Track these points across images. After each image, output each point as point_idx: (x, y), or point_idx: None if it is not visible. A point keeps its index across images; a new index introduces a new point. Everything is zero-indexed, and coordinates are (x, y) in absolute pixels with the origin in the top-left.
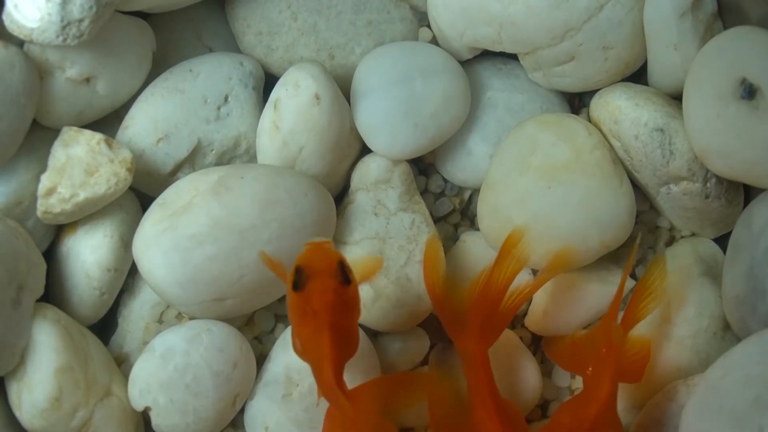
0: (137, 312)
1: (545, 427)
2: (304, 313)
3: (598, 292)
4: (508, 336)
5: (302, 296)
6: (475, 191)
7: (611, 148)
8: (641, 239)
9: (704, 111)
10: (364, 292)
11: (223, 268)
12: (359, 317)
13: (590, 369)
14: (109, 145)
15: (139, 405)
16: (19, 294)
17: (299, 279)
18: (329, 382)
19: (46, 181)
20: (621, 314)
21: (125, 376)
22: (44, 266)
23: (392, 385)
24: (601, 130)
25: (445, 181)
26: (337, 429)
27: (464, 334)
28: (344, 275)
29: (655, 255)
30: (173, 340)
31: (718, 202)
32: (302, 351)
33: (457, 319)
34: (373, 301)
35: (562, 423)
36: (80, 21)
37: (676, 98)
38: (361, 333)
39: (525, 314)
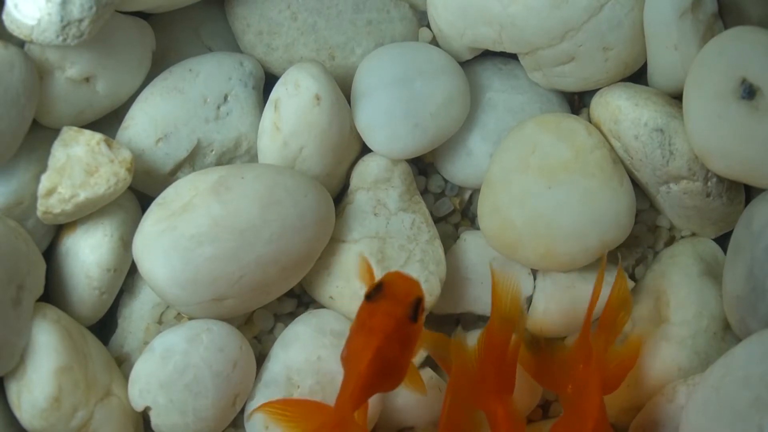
0: (137, 312)
1: None
2: (362, 326)
3: None
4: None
5: (368, 309)
6: (476, 191)
7: (611, 148)
8: (640, 239)
9: (704, 111)
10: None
11: (223, 268)
12: (411, 359)
13: (570, 387)
14: (109, 145)
15: (138, 405)
16: (19, 294)
17: (375, 292)
18: (348, 400)
19: (46, 181)
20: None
21: (126, 377)
22: (44, 266)
23: None
24: (601, 130)
25: (445, 181)
26: None
27: (485, 394)
28: (415, 312)
29: (618, 267)
30: (173, 340)
31: (719, 201)
32: (345, 359)
33: (473, 380)
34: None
35: None
36: (80, 21)
37: (676, 98)
38: None
39: None
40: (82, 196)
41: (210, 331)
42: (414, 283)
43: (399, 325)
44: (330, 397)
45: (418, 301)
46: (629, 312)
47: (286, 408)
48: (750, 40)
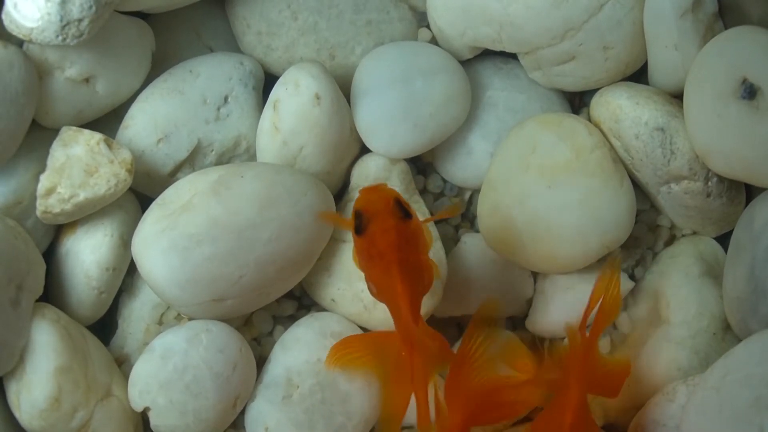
0: (137, 313)
1: None
2: (371, 256)
3: None
4: (508, 336)
5: (366, 239)
6: (475, 192)
7: (612, 147)
8: (641, 239)
9: (705, 111)
10: (366, 294)
11: (223, 268)
12: (428, 251)
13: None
14: (109, 146)
15: (138, 405)
16: (18, 294)
17: (360, 223)
18: (406, 319)
19: (45, 181)
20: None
21: (125, 377)
22: (43, 266)
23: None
24: (601, 130)
25: (444, 181)
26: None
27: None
28: (403, 211)
29: (609, 259)
30: (173, 340)
31: (720, 201)
32: (377, 293)
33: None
34: (374, 302)
35: None
36: (80, 21)
37: (676, 98)
38: None
39: (525, 315)
40: (82, 196)
41: (209, 332)
42: (382, 188)
43: (400, 232)
44: (329, 397)
45: (398, 200)
46: (616, 315)
47: (351, 348)
48: (750, 40)
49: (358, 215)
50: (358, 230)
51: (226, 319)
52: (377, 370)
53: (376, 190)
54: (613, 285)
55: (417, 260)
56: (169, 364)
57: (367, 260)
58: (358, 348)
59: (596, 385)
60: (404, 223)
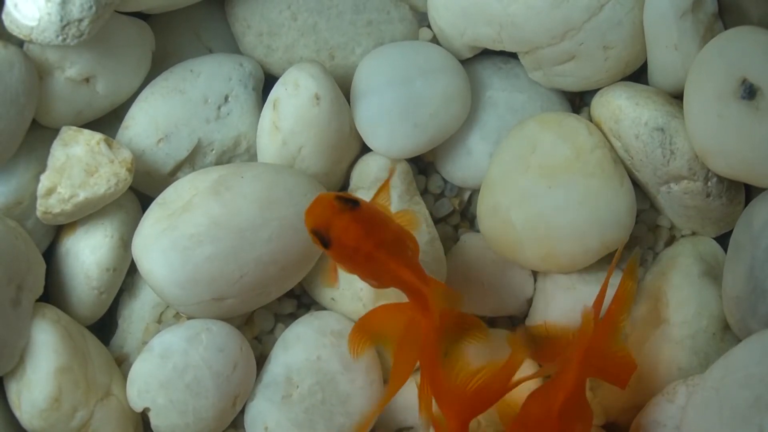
0: (137, 312)
1: (515, 420)
2: (350, 257)
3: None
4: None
5: (336, 247)
6: (475, 192)
7: (612, 147)
8: (641, 239)
9: (705, 111)
10: (365, 292)
11: (223, 267)
12: (393, 220)
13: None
14: (109, 145)
15: (137, 405)
16: (19, 294)
17: (321, 237)
18: (412, 282)
19: (45, 181)
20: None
21: (125, 377)
22: (44, 266)
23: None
24: (601, 130)
25: (445, 181)
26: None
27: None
28: (347, 203)
29: (633, 253)
30: (172, 339)
31: (719, 201)
32: (379, 283)
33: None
34: (373, 302)
35: (530, 413)
36: (80, 21)
37: (676, 98)
38: None
39: (525, 315)
40: (82, 196)
41: (209, 331)
42: (321, 199)
43: (358, 220)
44: (329, 397)
45: (338, 196)
46: (629, 306)
47: (370, 326)
48: (750, 40)
49: (315, 233)
50: (325, 245)
51: (226, 318)
52: (389, 342)
53: (315, 203)
54: (630, 277)
55: (390, 233)
56: (169, 363)
57: (350, 263)
58: (376, 325)
59: (606, 372)
60: (357, 211)
